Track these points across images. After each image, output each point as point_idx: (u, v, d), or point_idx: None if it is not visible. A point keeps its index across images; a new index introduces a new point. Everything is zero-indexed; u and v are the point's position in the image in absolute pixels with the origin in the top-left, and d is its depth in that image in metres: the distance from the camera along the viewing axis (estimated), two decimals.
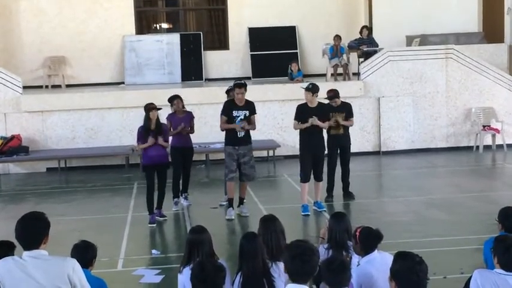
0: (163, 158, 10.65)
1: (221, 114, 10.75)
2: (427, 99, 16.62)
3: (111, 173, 15.16)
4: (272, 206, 10.99)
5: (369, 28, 18.50)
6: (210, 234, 5.53)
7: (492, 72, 16.79)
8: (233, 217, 10.68)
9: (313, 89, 10.75)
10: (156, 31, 20.79)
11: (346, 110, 11.62)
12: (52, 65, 19.24)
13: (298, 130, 10.94)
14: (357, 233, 5.63)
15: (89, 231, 9.79)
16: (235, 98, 10.61)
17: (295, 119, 10.92)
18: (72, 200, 12.80)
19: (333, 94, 11.64)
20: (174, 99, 11.48)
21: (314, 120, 10.59)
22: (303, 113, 10.76)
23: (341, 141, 11.61)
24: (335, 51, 17.38)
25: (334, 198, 11.64)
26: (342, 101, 11.72)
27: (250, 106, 10.67)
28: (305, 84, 11.13)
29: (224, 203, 11.45)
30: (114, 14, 19.61)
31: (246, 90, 10.60)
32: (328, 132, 11.50)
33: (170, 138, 11.11)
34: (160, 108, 10.79)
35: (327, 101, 11.57)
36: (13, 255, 4.93)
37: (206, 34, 20.41)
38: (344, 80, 16.96)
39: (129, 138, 15.35)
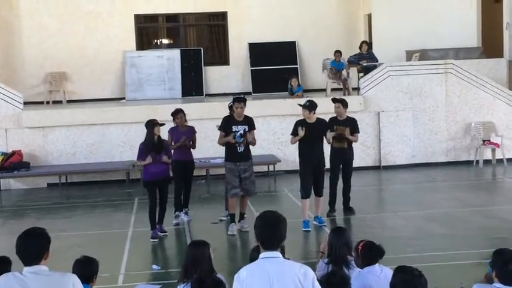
0: (165, 174, 10.68)
1: (219, 129, 10.79)
2: (427, 113, 16.65)
3: (112, 189, 15.16)
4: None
5: (369, 43, 18.58)
6: (208, 247, 5.50)
7: (491, 86, 16.84)
8: (235, 233, 10.69)
9: (310, 107, 10.75)
10: (157, 47, 20.88)
11: (352, 124, 11.52)
12: (53, 80, 19.32)
13: (298, 145, 10.94)
14: (360, 247, 5.67)
15: (90, 247, 9.78)
16: (235, 113, 10.65)
17: (292, 134, 10.95)
18: (73, 215, 12.81)
19: (340, 98, 11.66)
20: (177, 114, 11.52)
21: (301, 131, 10.58)
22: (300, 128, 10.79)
23: (344, 155, 11.56)
24: (334, 72, 17.52)
25: (334, 212, 11.65)
26: (347, 116, 11.65)
27: (249, 121, 10.70)
28: (302, 102, 11.13)
29: (224, 218, 11.47)
30: (115, 29, 19.71)
31: (245, 105, 10.63)
32: (331, 145, 11.50)
33: (172, 152, 11.15)
34: (163, 124, 10.84)
35: (329, 116, 11.55)
36: (10, 270, 4.94)
37: (206, 50, 20.50)
38: (344, 95, 16.98)
39: (130, 154, 15.38)
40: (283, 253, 5.67)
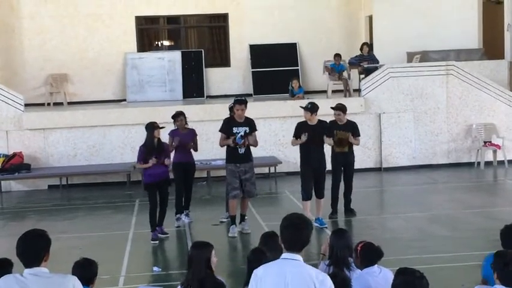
0: (165, 175, 10.67)
1: (220, 131, 10.79)
2: (428, 115, 16.64)
3: (113, 190, 15.16)
4: (273, 223, 10.90)
5: (370, 45, 18.58)
6: (211, 249, 5.46)
7: (493, 88, 16.82)
8: (236, 235, 10.68)
9: (312, 109, 10.76)
10: (158, 48, 20.88)
11: (352, 128, 11.50)
12: (54, 82, 19.33)
13: (299, 147, 10.96)
14: (359, 248, 5.69)
15: (90, 249, 9.78)
16: (235, 115, 10.65)
17: (294, 136, 10.94)
18: (74, 217, 12.80)
19: (339, 105, 11.65)
20: (178, 116, 11.53)
21: (304, 136, 10.59)
22: (302, 130, 10.78)
23: (346, 158, 11.54)
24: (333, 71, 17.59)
25: (336, 215, 11.62)
26: (347, 120, 11.62)
27: (250, 123, 10.70)
28: (304, 103, 11.13)
29: (225, 220, 11.46)
30: (115, 31, 19.73)
31: (246, 107, 10.63)
32: (332, 149, 11.48)
33: (172, 154, 11.16)
34: (163, 127, 10.84)
35: (330, 118, 11.54)
36: (11, 272, 4.94)
37: (207, 51, 20.50)
38: (345, 96, 17.00)
39: (131, 156, 15.37)
40: None
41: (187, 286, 5.25)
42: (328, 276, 4.34)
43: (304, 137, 10.64)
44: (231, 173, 10.71)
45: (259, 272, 4.37)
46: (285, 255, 4.36)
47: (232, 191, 10.69)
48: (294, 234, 4.34)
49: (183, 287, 5.30)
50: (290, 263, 4.30)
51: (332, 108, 11.69)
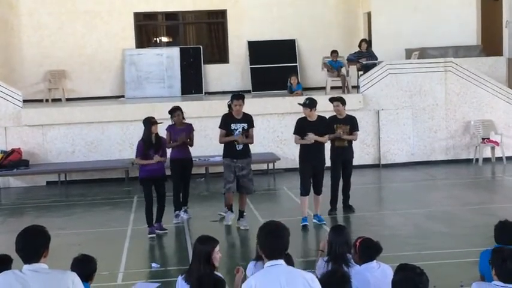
0: (161, 171, 10.66)
1: (219, 127, 10.79)
2: (427, 112, 16.65)
3: (111, 187, 15.16)
4: (272, 219, 10.95)
5: (368, 41, 18.58)
6: (213, 245, 5.47)
7: (491, 85, 16.83)
8: (230, 222, 10.73)
9: (310, 105, 10.72)
10: (156, 45, 20.87)
11: (351, 123, 11.51)
12: (52, 78, 19.32)
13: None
14: (357, 243, 5.69)
15: (89, 245, 9.78)
16: (233, 111, 10.64)
17: (295, 133, 10.91)
18: (72, 213, 12.80)
19: (336, 97, 11.64)
20: (175, 111, 11.54)
21: (310, 137, 10.56)
22: (302, 127, 10.76)
23: (345, 153, 11.54)
24: (330, 67, 17.61)
25: (335, 211, 11.63)
26: (347, 114, 11.64)
27: (248, 119, 10.70)
28: (302, 100, 11.08)
29: (224, 214, 11.45)
30: (114, 27, 19.71)
31: (244, 102, 10.64)
32: (332, 144, 11.48)
33: (169, 150, 11.15)
34: (161, 123, 10.84)
35: (329, 114, 11.53)
36: (10, 268, 4.94)
37: (206, 48, 20.49)
38: (343, 93, 16.98)
39: (129, 152, 15.38)
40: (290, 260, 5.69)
41: (187, 280, 5.28)
42: (313, 275, 4.45)
43: (309, 140, 10.59)
44: (226, 167, 10.73)
45: (252, 283, 4.39)
46: (269, 263, 4.42)
47: (227, 185, 10.73)
48: (274, 242, 4.44)
49: (184, 278, 5.33)
50: (278, 268, 4.39)
51: (330, 99, 11.67)
